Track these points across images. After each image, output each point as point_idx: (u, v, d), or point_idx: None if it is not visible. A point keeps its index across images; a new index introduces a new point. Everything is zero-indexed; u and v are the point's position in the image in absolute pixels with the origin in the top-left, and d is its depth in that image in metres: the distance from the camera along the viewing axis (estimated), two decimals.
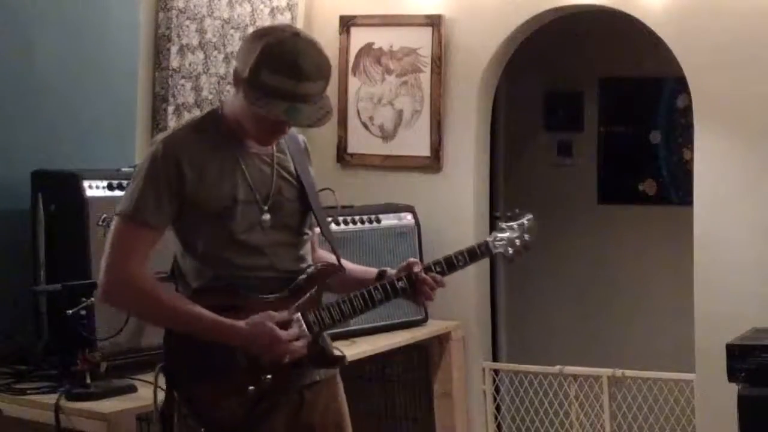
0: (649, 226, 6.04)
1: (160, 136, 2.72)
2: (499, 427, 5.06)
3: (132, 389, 3.13)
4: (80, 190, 3.30)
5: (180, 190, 2.61)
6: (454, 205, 4.87)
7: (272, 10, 4.74)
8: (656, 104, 6.05)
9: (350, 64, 5.00)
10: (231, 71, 4.14)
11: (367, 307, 2.78)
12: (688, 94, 4.61)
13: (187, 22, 4.24)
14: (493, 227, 3.08)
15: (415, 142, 4.91)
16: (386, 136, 4.96)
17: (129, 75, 4.04)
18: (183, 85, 4.24)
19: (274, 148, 2.76)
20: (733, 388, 3.82)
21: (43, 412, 2.97)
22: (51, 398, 2.99)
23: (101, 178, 3.36)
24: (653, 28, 4.58)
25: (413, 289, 2.81)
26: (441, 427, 4.68)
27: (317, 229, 2.88)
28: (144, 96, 4.13)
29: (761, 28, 4.36)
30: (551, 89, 6.30)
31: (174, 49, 4.18)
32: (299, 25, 5.01)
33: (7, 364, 3.29)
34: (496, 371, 5.05)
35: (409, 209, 4.71)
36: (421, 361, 4.71)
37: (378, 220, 4.56)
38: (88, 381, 3.03)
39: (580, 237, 6.13)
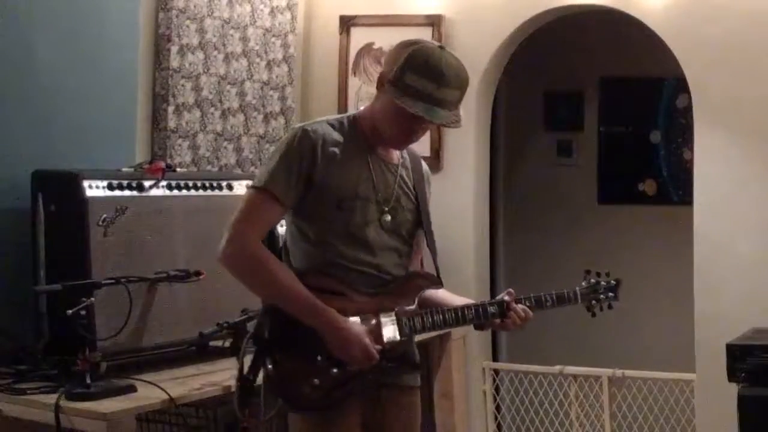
0: (649, 226, 6.04)
1: (300, 124, 2.87)
2: (499, 427, 5.07)
3: (132, 389, 3.12)
4: (80, 190, 3.28)
5: (310, 173, 2.76)
6: (454, 205, 4.87)
7: (272, 10, 4.74)
8: (656, 104, 6.05)
9: (350, 64, 5.01)
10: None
11: (457, 322, 2.95)
12: (688, 94, 4.61)
13: (187, 22, 4.23)
14: (582, 278, 3.25)
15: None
16: None
17: (129, 75, 4.04)
18: (183, 85, 4.23)
19: (400, 161, 2.92)
20: (733, 388, 3.82)
21: (43, 412, 2.96)
22: (51, 398, 2.98)
23: (101, 178, 3.35)
24: (653, 28, 4.58)
25: (503, 316, 3.00)
26: (441, 427, 4.67)
27: (423, 245, 3.01)
28: (144, 96, 4.13)
29: (761, 28, 4.37)
30: (551, 89, 6.30)
31: (174, 49, 4.18)
32: (299, 25, 5.01)
33: (7, 364, 3.29)
34: (496, 371, 5.05)
35: None
36: (421, 361, 4.68)
37: None
38: (88, 381, 3.02)
39: (580, 237, 6.13)
